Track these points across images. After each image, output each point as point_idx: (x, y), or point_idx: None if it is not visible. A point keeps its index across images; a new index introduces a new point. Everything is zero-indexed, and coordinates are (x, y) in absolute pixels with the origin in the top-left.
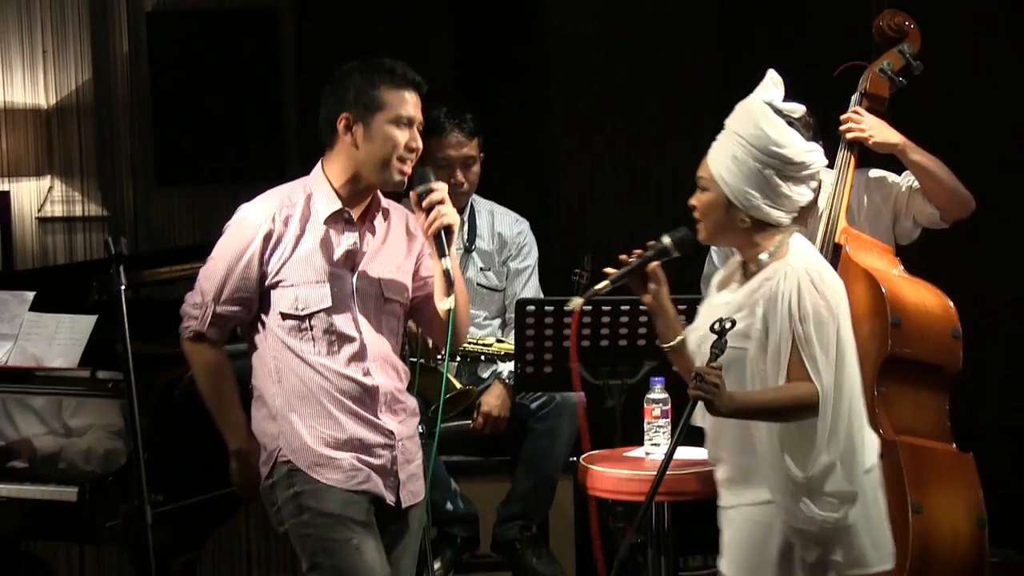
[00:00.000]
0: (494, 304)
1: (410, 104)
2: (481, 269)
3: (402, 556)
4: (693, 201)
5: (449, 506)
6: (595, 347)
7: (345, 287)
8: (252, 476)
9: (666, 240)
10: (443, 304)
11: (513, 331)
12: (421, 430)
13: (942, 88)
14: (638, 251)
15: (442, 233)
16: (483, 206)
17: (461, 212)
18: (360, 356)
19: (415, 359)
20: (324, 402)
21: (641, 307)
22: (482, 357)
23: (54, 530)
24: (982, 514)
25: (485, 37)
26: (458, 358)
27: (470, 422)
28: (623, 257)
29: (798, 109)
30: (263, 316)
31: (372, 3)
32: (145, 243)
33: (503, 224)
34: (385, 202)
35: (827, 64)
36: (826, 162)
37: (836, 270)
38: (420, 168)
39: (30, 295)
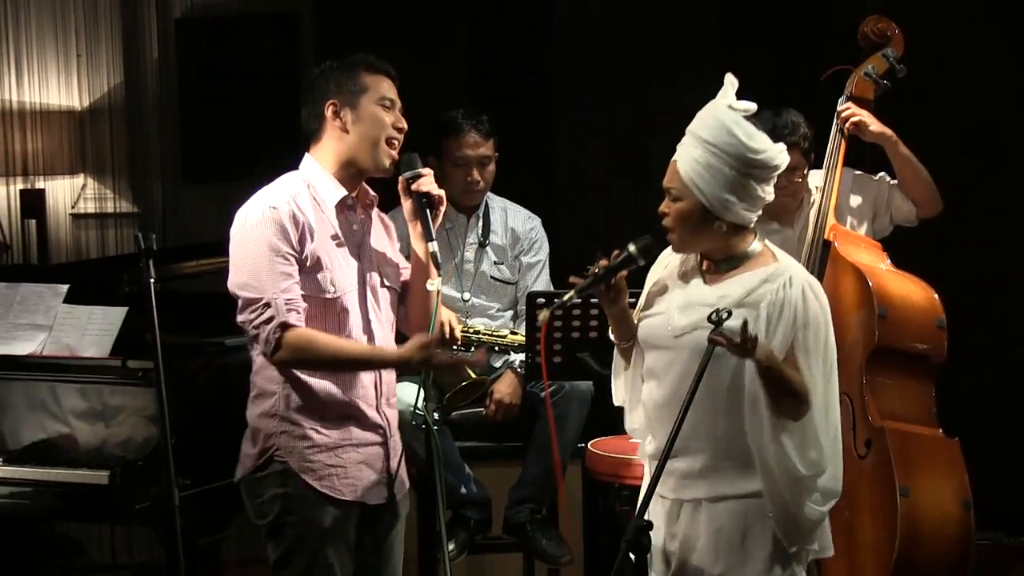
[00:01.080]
0: (507, 296)
1: (390, 88)
2: (495, 263)
3: (395, 542)
4: (664, 209)
5: (463, 490)
6: (602, 337)
7: (357, 273)
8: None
9: (632, 249)
10: (430, 285)
11: (524, 322)
12: (436, 416)
13: (925, 90)
14: (604, 262)
15: (428, 216)
16: (497, 203)
17: (476, 208)
18: (370, 342)
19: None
20: (327, 404)
21: None
22: (495, 348)
23: (86, 512)
24: (967, 497)
25: (497, 40)
26: (472, 348)
27: (483, 410)
28: (592, 268)
29: (752, 107)
30: None
31: (389, 10)
32: (173, 238)
33: (516, 220)
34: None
35: (820, 68)
36: (788, 159)
37: (826, 265)
38: (408, 154)
39: (64, 288)
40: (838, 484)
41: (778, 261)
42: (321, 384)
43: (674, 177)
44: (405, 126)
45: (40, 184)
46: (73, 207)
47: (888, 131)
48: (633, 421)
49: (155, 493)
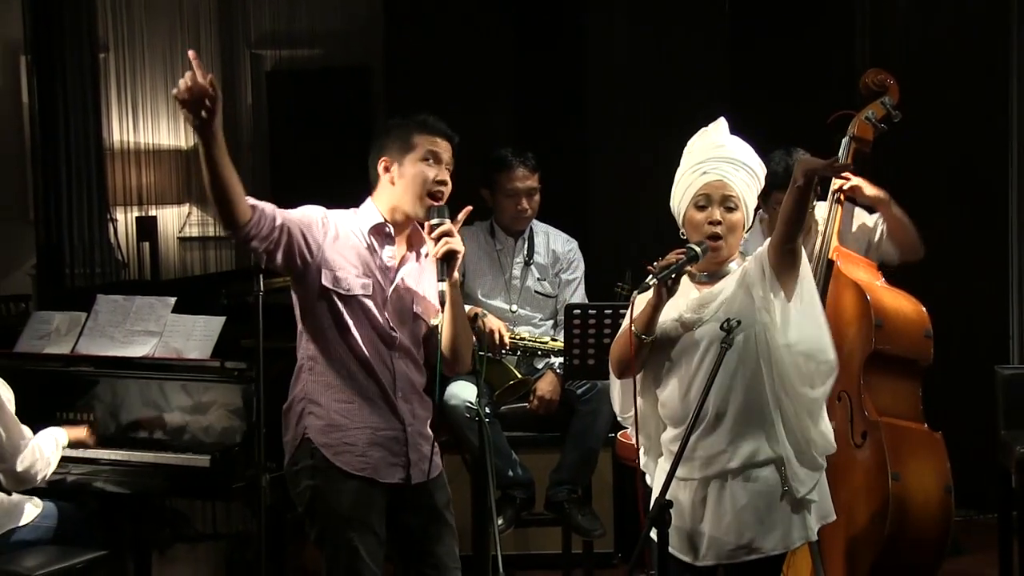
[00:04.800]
0: (548, 308)
1: (437, 146)
2: (538, 279)
3: (436, 525)
4: (719, 218)
5: (510, 473)
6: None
7: (383, 290)
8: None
9: (697, 249)
10: (432, 320)
11: (563, 330)
12: (488, 410)
13: (911, 135)
14: (678, 253)
15: (443, 264)
16: (540, 228)
17: (523, 233)
18: (390, 344)
19: (483, 352)
20: (350, 391)
21: None
22: (538, 352)
23: (191, 490)
24: (949, 482)
25: (539, 89)
26: (518, 352)
27: (527, 405)
28: (669, 257)
29: None
30: (312, 297)
31: (448, 64)
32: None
33: (557, 243)
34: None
35: (820, 110)
36: None
37: (830, 281)
38: (439, 207)
39: (172, 300)
40: (832, 444)
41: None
42: (345, 372)
43: (732, 190)
44: (445, 179)
45: (153, 212)
46: (180, 232)
47: (882, 194)
48: (625, 411)
49: (248, 474)
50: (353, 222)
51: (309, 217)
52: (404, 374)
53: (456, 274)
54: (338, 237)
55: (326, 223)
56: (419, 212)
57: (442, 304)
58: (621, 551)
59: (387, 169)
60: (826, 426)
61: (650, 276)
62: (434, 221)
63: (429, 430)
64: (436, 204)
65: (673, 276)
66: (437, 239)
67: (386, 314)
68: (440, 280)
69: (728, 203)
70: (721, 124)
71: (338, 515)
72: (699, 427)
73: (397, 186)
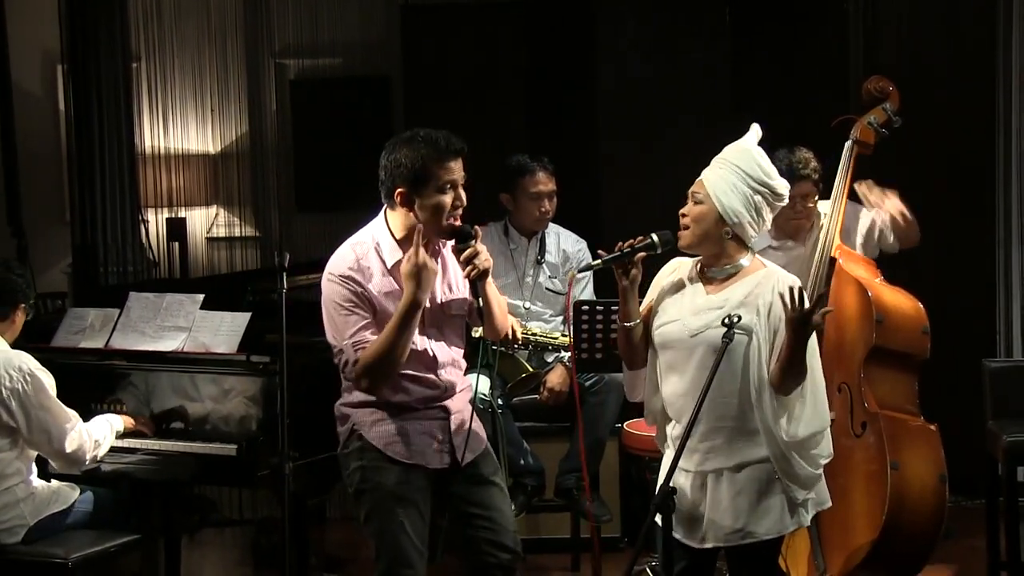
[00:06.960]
0: (558, 305)
1: (453, 170)
2: (549, 277)
3: (490, 495)
4: (685, 211)
5: (522, 461)
6: None
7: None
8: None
9: (654, 237)
10: (475, 332)
11: (572, 326)
12: (500, 401)
13: (901, 135)
14: (631, 241)
15: (476, 284)
16: (552, 229)
17: (536, 233)
18: (432, 365)
19: (496, 347)
20: (396, 397)
21: None
22: (549, 346)
23: (218, 477)
24: (943, 471)
25: (550, 96)
26: (530, 347)
27: (538, 396)
28: (620, 244)
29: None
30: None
31: (462, 71)
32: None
33: (567, 243)
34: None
35: (817, 115)
36: (788, 194)
37: (831, 278)
38: (466, 228)
39: (200, 297)
40: (830, 449)
41: (766, 267)
42: (393, 393)
43: (701, 186)
44: (463, 202)
45: (182, 214)
46: (208, 232)
47: (898, 207)
48: (635, 396)
49: (273, 462)
50: (377, 260)
51: (356, 295)
52: (450, 381)
53: (489, 285)
54: (377, 285)
55: (361, 285)
56: (439, 233)
57: (480, 316)
58: (627, 536)
59: (404, 200)
60: (824, 438)
61: (597, 260)
62: (461, 245)
63: (468, 412)
64: (456, 226)
65: (627, 261)
66: (466, 262)
67: (428, 337)
68: (476, 298)
69: (695, 196)
70: (751, 130)
71: (385, 491)
72: (698, 426)
73: (419, 215)
